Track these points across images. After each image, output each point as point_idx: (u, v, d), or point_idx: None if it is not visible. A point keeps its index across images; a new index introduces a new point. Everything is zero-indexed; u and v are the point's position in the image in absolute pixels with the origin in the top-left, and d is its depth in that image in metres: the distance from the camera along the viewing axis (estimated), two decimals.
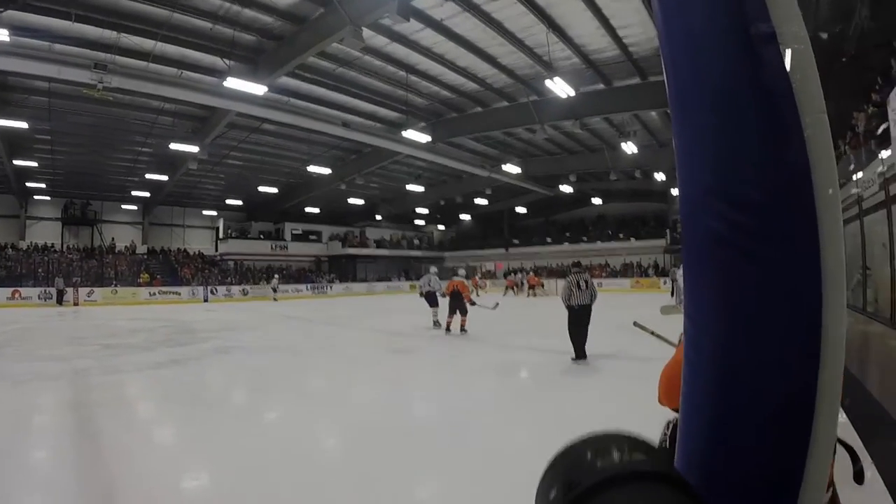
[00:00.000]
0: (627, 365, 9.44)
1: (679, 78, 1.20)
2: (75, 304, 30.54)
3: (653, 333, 4.68)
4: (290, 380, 9.11)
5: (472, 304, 15.18)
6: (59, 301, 30.17)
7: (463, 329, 14.79)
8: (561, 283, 36.18)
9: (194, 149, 24.01)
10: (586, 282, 9.92)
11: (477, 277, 40.87)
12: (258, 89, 16.74)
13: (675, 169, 1.20)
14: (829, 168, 1.08)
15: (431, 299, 16.11)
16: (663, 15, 1.24)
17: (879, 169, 7.64)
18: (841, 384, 1.08)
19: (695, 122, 1.16)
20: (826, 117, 1.11)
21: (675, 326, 3.13)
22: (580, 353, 9.73)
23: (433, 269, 17.40)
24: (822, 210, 1.06)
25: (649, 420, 1.84)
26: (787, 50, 1.08)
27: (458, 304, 14.80)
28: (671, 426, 1.98)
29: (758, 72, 1.08)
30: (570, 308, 9.86)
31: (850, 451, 1.72)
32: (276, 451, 5.10)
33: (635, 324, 5.38)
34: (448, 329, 14.93)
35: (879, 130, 8.13)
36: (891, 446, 4.44)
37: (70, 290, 31.06)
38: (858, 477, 1.55)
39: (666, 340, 4.31)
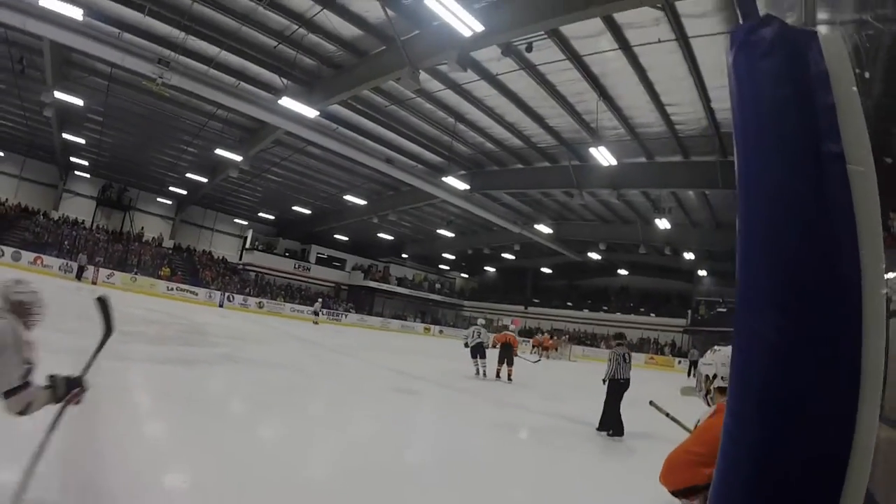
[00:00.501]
0: (660, 445, 9.06)
1: (749, 184, 1.29)
2: (93, 282, 30.69)
3: (668, 415, 4.68)
4: (292, 400, 9.00)
5: (516, 356, 16.60)
6: (79, 276, 30.36)
7: (510, 378, 15.87)
8: (576, 349, 35.59)
9: (238, 158, 24.37)
10: (629, 355, 9.66)
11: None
12: (310, 112, 17.09)
13: (736, 270, 1.28)
14: (879, 295, 1.15)
15: (480, 351, 16.05)
16: (742, 121, 1.34)
17: None
18: (864, 492, 1.13)
19: (760, 228, 1.25)
20: (881, 238, 1.19)
21: (691, 409, 3.16)
22: (619, 429, 9.26)
23: (481, 320, 17.69)
24: (867, 323, 1.13)
25: None
26: (853, 170, 1.18)
27: (509, 355, 16.06)
28: None
29: (823, 187, 1.18)
30: (612, 381, 9.43)
31: None
32: (263, 468, 5.10)
33: (651, 403, 5.36)
34: (497, 376, 16.00)
35: None
36: None
37: (91, 268, 31.31)
38: None
39: (680, 424, 4.31)
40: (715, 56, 13.69)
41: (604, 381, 9.54)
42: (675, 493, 2.00)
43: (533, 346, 35.72)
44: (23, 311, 3.11)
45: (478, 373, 15.94)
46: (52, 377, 3.16)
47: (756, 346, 1.20)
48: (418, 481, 5.54)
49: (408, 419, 9.11)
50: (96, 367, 8.02)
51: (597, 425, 9.47)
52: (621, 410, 9.28)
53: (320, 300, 38.96)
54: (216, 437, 5.86)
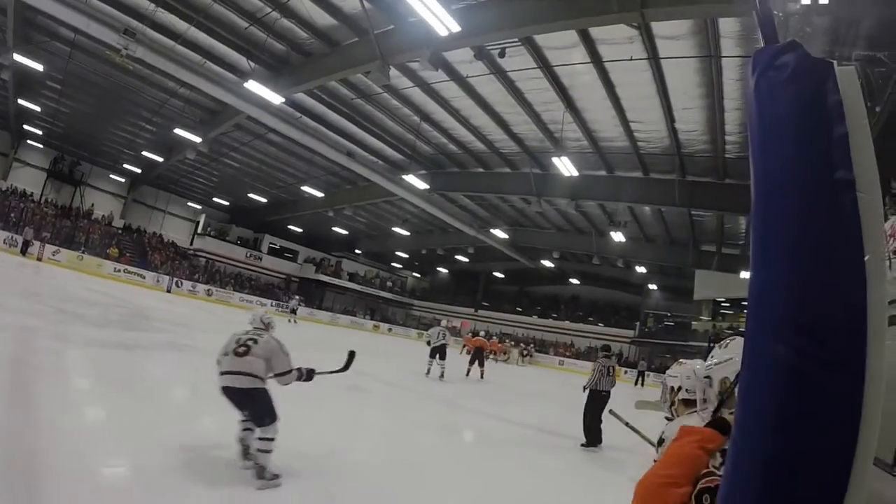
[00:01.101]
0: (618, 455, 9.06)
1: (767, 206, 1.33)
2: (39, 258, 29.71)
3: (627, 424, 4.78)
4: None
5: (487, 358, 19.78)
6: (24, 252, 29.18)
7: (482, 376, 18.34)
8: (515, 353, 35.75)
9: (197, 139, 23.88)
10: (613, 368, 9.75)
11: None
12: (275, 98, 16.78)
13: (748, 289, 1.32)
14: (882, 317, 1.20)
15: (441, 352, 16.17)
16: (761, 145, 1.37)
17: None
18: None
19: (775, 250, 1.29)
20: (886, 263, 1.25)
21: (649, 421, 3.21)
22: (595, 439, 9.27)
23: (444, 322, 18.70)
24: (871, 347, 1.18)
25: None
26: (862, 198, 1.23)
27: (480, 356, 18.68)
28: None
29: (835, 213, 1.22)
30: (593, 392, 9.46)
31: None
32: (201, 458, 5.02)
33: (611, 412, 5.47)
34: (468, 375, 18.27)
35: None
36: None
37: (37, 244, 30.16)
38: None
39: (639, 433, 4.39)
40: (683, 79, 14.02)
41: (584, 388, 9.60)
42: None
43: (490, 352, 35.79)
44: (270, 327, 5.60)
45: (428, 372, 15.99)
46: (299, 368, 5.50)
47: (768, 365, 1.24)
48: (361, 481, 5.52)
49: (356, 418, 9.04)
50: (34, 347, 7.84)
51: (583, 441, 9.38)
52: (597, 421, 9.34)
53: (297, 297, 37.82)
54: (154, 424, 5.76)
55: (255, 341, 5.26)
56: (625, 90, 15.38)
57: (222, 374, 5.09)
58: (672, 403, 2.93)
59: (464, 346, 27.65)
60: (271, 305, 39.34)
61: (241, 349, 5.16)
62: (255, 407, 5.12)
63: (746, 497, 1.23)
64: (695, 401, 2.63)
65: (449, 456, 7.48)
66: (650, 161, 19.73)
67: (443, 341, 16.26)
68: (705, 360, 2.61)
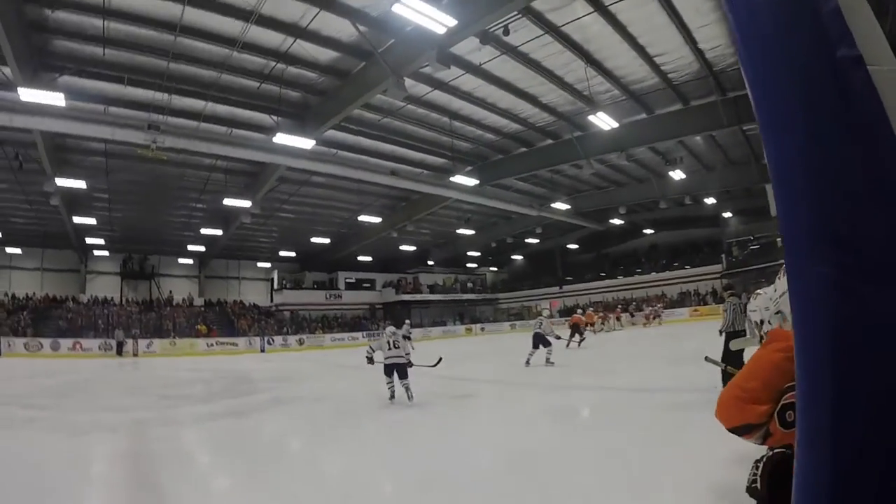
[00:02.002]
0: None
1: (771, 115, 1.18)
2: (135, 354, 30.90)
3: (725, 369, 4.54)
4: (348, 430, 8.70)
5: (585, 330, 24.59)
6: (119, 352, 30.46)
7: (579, 344, 21.81)
8: (609, 316, 35.19)
9: (247, 203, 24.55)
10: (744, 305, 9.26)
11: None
12: (306, 143, 17.12)
13: (776, 211, 1.17)
14: None
15: (542, 340, 16.06)
16: (746, 52, 1.22)
17: None
18: None
19: (792, 159, 1.13)
20: None
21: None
22: None
23: (546, 311, 18.70)
24: None
25: None
26: (874, 71, 1.06)
27: (578, 330, 22.62)
28: (761, 466, 1.89)
29: (849, 95, 1.05)
30: (729, 334, 8.97)
31: None
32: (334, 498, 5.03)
33: (707, 359, 5.21)
34: (568, 345, 20.88)
35: None
36: None
37: (129, 342, 31.39)
38: None
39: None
40: None
41: (720, 332, 9.25)
42: (731, 431, 1.87)
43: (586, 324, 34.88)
44: (404, 335, 13.09)
45: (528, 363, 15.83)
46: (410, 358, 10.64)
47: (817, 289, 1.08)
48: (490, 487, 5.39)
49: (469, 424, 8.91)
50: (149, 437, 8.06)
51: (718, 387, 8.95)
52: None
53: (407, 322, 35.48)
54: (281, 481, 5.78)
55: (398, 340, 10.40)
56: (637, 27, 15.01)
57: (391, 357, 10.31)
58: (761, 338, 2.77)
59: None
60: (363, 336, 39.78)
61: (396, 346, 10.30)
62: (405, 371, 10.31)
63: (825, 450, 1.08)
64: None
65: (567, 436, 7.32)
66: (686, 90, 19.13)
67: (538, 330, 16.14)
68: None
